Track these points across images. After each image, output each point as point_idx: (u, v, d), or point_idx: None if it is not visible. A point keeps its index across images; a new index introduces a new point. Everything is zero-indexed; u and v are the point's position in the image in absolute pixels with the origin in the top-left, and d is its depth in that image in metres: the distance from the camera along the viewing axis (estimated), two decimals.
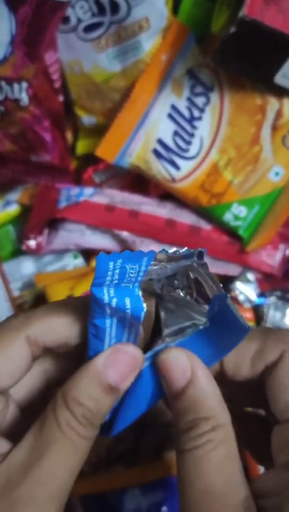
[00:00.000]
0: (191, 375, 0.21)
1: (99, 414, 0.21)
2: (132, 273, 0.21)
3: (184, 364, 0.21)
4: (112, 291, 0.21)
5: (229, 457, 0.20)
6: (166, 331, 0.23)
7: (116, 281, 0.21)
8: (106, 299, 0.21)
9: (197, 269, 0.22)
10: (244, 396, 0.26)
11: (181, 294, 0.23)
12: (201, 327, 0.22)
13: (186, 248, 0.21)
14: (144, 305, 0.21)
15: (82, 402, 0.20)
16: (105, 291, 0.21)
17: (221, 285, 0.22)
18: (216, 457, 0.20)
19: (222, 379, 0.24)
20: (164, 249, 0.21)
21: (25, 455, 0.20)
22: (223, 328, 0.22)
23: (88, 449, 0.21)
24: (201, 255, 0.22)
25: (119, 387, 0.21)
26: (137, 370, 0.21)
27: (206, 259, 0.23)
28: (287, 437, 0.21)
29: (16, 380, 0.23)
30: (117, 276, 0.20)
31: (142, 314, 0.21)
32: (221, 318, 0.22)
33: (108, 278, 0.20)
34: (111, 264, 0.20)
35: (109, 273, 0.20)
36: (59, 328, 0.23)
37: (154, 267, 0.21)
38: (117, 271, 0.20)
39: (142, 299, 0.21)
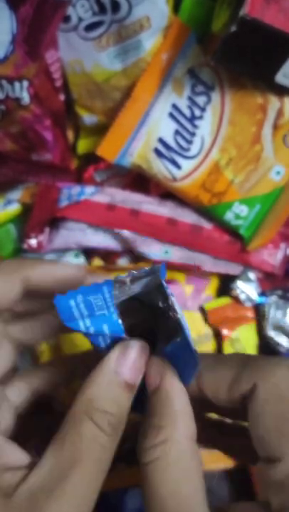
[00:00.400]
0: (159, 381, 0.21)
1: (122, 418, 0.21)
2: (98, 303, 0.21)
3: (154, 371, 0.22)
4: (87, 322, 0.21)
5: (184, 478, 0.20)
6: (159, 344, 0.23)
7: (87, 314, 0.21)
8: (83, 329, 0.21)
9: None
10: (229, 414, 0.26)
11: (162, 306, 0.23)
12: (176, 340, 0.22)
13: (145, 268, 0.22)
14: (122, 326, 0.22)
15: (106, 410, 0.20)
16: (81, 323, 0.21)
17: (172, 302, 0.22)
18: (169, 479, 0.19)
19: (202, 400, 0.24)
20: (119, 275, 0.22)
21: (47, 477, 0.19)
22: (184, 350, 0.22)
23: (111, 460, 0.21)
24: (160, 271, 0.22)
25: (134, 383, 0.21)
26: (145, 362, 0.22)
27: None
28: (266, 479, 0.20)
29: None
30: (85, 311, 0.21)
31: (123, 334, 0.22)
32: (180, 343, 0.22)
33: (76, 314, 0.21)
34: (72, 302, 0.21)
35: (74, 310, 0.21)
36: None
37: (119, 290, 0.22)
38: (82, 305, 0.21)
39: (120, 321, 0.22)
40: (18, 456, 0.21)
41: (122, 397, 0.21)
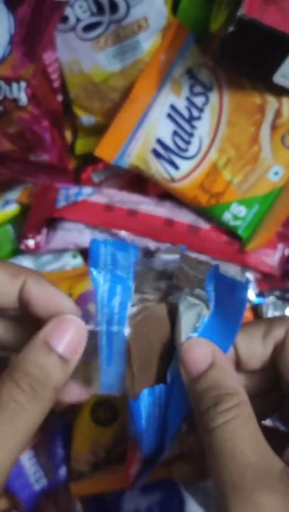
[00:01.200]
0: (212, 358, 0.23)
1: (48, 383, 0.21)
2: (122, 262, 0.22)
3: (205, 349, 0.23)
4: (107, 276, 0.22)
5: (258, 432, 0.21)
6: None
7: (110, 268, 0.22)
8: (100, 281, 0.22)
9: (184, 262, 0.24)
10: (259, 383, 0.27)
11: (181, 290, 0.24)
12: (205, 316, 0.24)
13: (170, 245, 0.22)
14: (131, 297, 0.23)
15: (29, 372, 0.20)
16: (101, 276, 0.22)
17: (208, 263, 0.23)
18: (247, 432, 0.21)
19: (237, 368, 0.25)
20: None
21: None
22: (225, 300, 0.23)
23: (35, 423, 0.20)
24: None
25: (67, 356, 0.21)
26: (83, 341, 0.22)
27: (205, 259, 0.24)
28: None
29: None
30: (110, 263, 0.22)
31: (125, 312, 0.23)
32: (219, 293, 0.23)
33: (101, 262, 0.22)
34: (103, 249, 0.22)
35: (102, 257, 0.22)
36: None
37: (142, 259, 0.23)
38: (109, 257, 0.22)
39: (133, 289, 0.23)
40: None
41: (51, 366, 0.21)
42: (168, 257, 0.23)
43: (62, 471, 0.45)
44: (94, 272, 0.22)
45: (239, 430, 0.20)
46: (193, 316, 0.24)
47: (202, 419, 0.22)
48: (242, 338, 0.24)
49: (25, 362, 0.21)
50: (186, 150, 0.44)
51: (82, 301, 0.44)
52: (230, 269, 0.47)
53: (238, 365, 0.25)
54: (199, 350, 0.23)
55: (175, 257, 0.24)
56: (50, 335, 0.21)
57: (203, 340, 0.23)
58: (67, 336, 0.22)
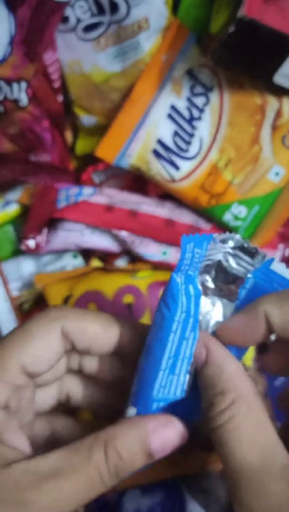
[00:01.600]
0: (205, 354, 0.22)
1: (129, 470, 0.21)
2: (195, 258, 0.22)
3: (199, 346, 0.23)
4: (182, 277, 0.23)
5: (259, 429, 0.21)
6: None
7: (187, 267, 0.22)
8: (178, 284, 0.22)
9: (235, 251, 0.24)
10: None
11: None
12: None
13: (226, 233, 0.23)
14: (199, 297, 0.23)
15: (121, 455, 0.21)
16: (179, 278, 0.22)
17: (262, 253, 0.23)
18: (245, 432, 0.20)
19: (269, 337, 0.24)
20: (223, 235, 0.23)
21: (49, 468, 0.20)
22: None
23: (100, 493, 0.21)
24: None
25: (155, 456, 0.22)
26: (176, 445, 0.22)
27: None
28: None
29: (49, 367, 0.24)
30: (188, 262, 0.22)
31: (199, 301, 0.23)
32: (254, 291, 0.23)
33: (183, 263, 0.22)
34: (188, 246, 0.22)
35: (186, 257, 0.22)
36: (91, 332, 0.24)
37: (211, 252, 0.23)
38: (190, 254, 0.22)
39: (200, 289, 0.23)
40: (21, 441, 0.22)
41: (139, 458, 0.22)
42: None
43: None
44: (175, 276, 0.22)
45: (237, 430, 0.20)
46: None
47: (204, 418, 0.22)
48: (275, 307, 0.23)
49: (123, 442, 0.21)
50: (186, 150, 0.44)
51: (83, 302, 0.44)
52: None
53: (270, 334, 0.24)
54: (196, 349, 0.23)
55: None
56: (152, 431, 0.22)
57: (200, 335, 0.23)
58: (166, 439, 0.22)
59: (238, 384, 0.22)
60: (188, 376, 0.23)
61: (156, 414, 0.23)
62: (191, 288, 0.22)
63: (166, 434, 0.22)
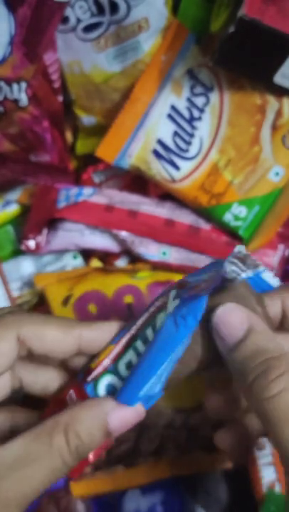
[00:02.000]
0: (248, 323, 0.22)
1: (90, 450, 0.22)
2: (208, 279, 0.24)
3: (241, 315, 0.22)
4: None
5: None
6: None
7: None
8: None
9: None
10: None
11: None
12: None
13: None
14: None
15: (81, 437, 0.22)
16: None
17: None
18: None
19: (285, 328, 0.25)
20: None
21: (12, 457, 0.21)
22: None
23: (65, 475, 0.22)
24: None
25: (114, 435, 0.22)
26: (135, 423, 0.23)
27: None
28: None
29: (1, 372, 0.24)
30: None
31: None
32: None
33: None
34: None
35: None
36: (49, 338, 0.24)
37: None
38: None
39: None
40: None
41: (98, 437, 0.22)
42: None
43: None
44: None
45: None
46: None
47: (252, 389, 0.21)
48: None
49: (82, 425, 0.22)
50: (186, 150, 0.44)
51: (83, 302, 0.44)
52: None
53: (285, 324, 0.25)
54: (234, 316, 0.22)
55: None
56: (110, 411, 0.22)
57: (236, 306, 0.23)
58: (124, 417, 0.22)
59: (287, 350, 0.21)
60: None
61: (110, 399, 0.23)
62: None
63: (123, 413, 0.22)
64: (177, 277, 0.48)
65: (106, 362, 0.25)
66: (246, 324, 0.22)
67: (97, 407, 0.22)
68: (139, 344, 0.24)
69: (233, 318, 0.22)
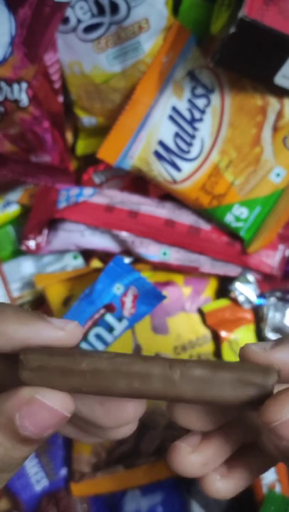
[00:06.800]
0: None
1: (11, 462, 0.19)
2: None
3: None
4: None
5: None
6: None
7: None
8: None
9: None
10: None
11: None
12: None
13: None
14: None
15: None
16: None
17: None
18: None
19: None
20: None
21: None
22: None
23: None
24: None
25: (38, 438, 0.18)
26: (63, 419, 0.19)
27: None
28: None
29: None
30: None
31: None
32: None
33: None
34: None
35: None
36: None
37: None
38: None
39: None
40: None
41: (15, 448, 0.18)
42: None
43: (64, 471, 0.45)
44: None
45: None
46: None
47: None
48: None
49: None
50: (187, 152, 0.44)
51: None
52: (232, 271, 0.47)
53: None
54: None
55: None
56: (21, 417, 0.18)
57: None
58: (40, 419, 0.18)
59: None
60: None
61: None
62: None
63: (36, 414, 0.18)
64: (178, 278, 0.48)
65: None
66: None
67: (1, 404, 0.18)
68: None
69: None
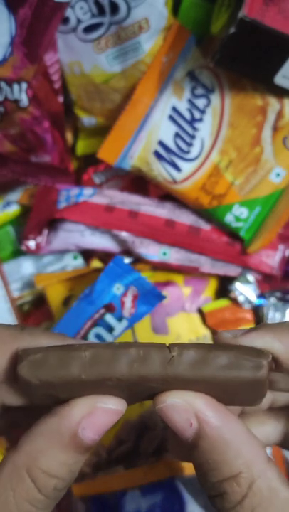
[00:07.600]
0: (197, 423, 0.18)
1: (73, 477, 0.18)
2: None
3: (185, 412, 0.18)
4: None
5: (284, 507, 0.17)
6: None
7: None
8: None
9: None
10: None
11: None
12: None
13: None
14: None
15: (54, 474, 0.17)
16: None
17: None
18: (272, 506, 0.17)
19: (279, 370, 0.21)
20: None
21: None
22: None
23: None
24: None
25: (93, 444, 0.18)
26: (120, 415, 0.19)
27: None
28: None
29: None
30: None
31: None
32: None
33: None
34: None
35: None
36: None
37: None
38: None
39: None
40: None
41: (77, 460, 0.18)
42: None
43: None
44: None
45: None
46: None
47: (214, 502, 0.18)
48: (275, 340, 0.20)
49: (49, 460, 0.17)
50: (187, 152, 0.44)
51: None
52: (232, 271, 0.47)
53: (279, 367, 0.21)
54: (180, 415, 0.18)
55: None
56: (83, 426, 0.18)
57: (180, 397, 0.18)
58: (99, 425, 0.18)
59: (251, 458, 0.17)
60: None
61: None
62: None
63: (96, 421, 0.18)
64: (178, 278, 0.48)
65: None
66: (195, 426, 0.18)
67: (61, 429, 0.17)
68: None
69: (177, 421, 0.18)
